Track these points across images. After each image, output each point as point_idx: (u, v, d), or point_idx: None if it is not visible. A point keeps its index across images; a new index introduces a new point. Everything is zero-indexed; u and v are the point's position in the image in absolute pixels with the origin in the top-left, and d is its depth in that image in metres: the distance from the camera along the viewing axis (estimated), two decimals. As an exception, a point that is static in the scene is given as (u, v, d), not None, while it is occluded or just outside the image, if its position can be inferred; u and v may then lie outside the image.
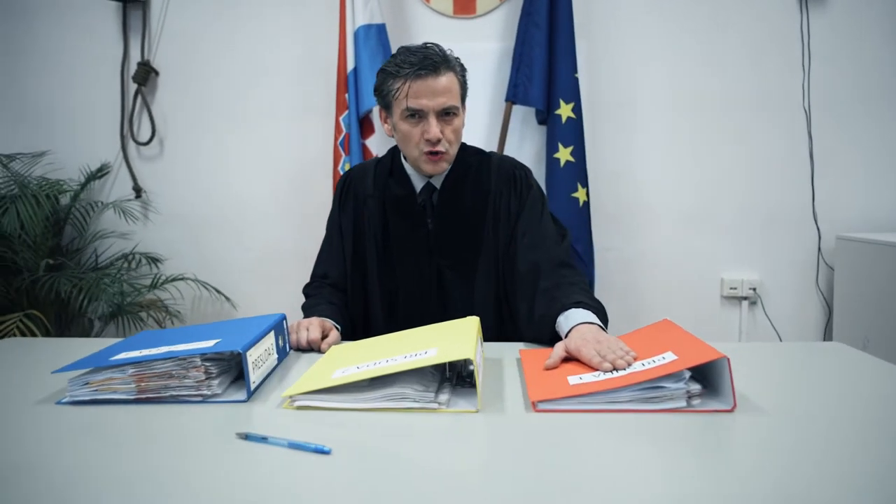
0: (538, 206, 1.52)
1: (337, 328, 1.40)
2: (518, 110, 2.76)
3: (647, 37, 2.76)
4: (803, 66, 2.71)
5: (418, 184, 1.51)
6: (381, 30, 2.70)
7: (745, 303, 2.79)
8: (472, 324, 1.16)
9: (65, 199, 2.83)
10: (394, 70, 1.38)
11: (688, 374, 0.94)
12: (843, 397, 1.00)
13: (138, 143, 2.95)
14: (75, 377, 1.01)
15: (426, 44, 1.41)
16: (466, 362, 1.04)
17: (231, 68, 2.91)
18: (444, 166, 1.45)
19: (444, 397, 0.96)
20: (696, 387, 0.92)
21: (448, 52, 1.41)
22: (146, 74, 2.91)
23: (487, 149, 2.71)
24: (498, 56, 2.81)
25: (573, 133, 2.62)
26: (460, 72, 1.43)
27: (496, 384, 1.06)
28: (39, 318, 2.28)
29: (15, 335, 2.21)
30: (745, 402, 0.94)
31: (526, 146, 2.83)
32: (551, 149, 2.64)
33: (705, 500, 0.67)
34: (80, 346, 1.24)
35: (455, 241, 1.50)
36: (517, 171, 1.54)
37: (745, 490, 0.68)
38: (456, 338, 1.07)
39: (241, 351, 0.99)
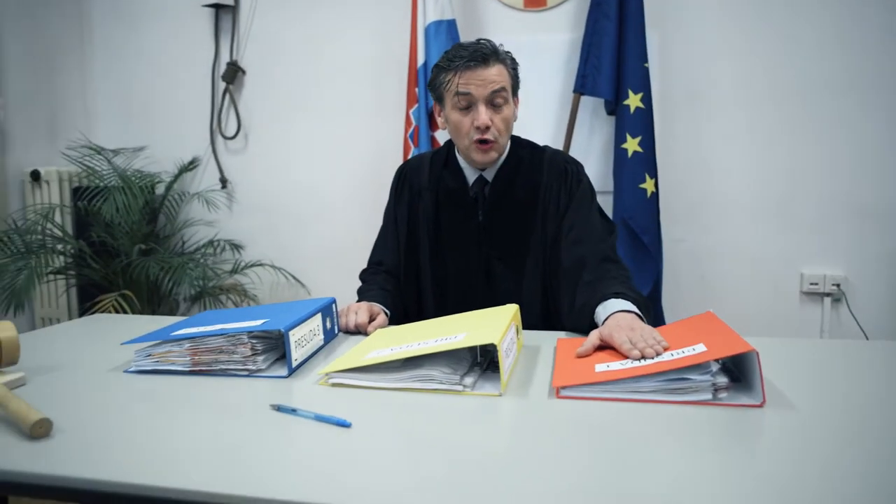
0: (587, 201, 1.52)
1: (386, 313, 1.46)
2: (588, 102, 2.73)
3: (723, 23, 2.65)
4: (898, 48, 2.52)
5: (471, 176, 1.54)
6: (451, 25, 2.75)
7: (827, 300, 2.64)
8: (508, 311, 1.18)
9: (160, 190, 3.06)
10: (445, 64, 1.44)
11: (715, 367, 0.93)
12: (887, 398, 0.95)
13: (225, 138, 3.16)
14: (141, 349, 1.12)
15: (479, 40, 1.45)
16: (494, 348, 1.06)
17: (310, 66, 3.05)
18: (494, 156, 1.47)
19: (469, 380, 1.00)
20: (722, 380, 0.91)
21: (499, 47, 1.44)
22: (234, 73, 3.10)
23: (556, 140, 2.75)
24: (568, 48, 2.79)
25: (642, 123, 2.57)
26: (511, 65, 1.46)
27: (527, 370, 1.09)
28: (132, 297, 2.49)
29: (111, 312, 2.42)
30: (778, 398, 0.92)
31: (595, 137, 2.80)
32: (619, 139, 2.60)
33: (720, 491, 0.67)
34: (154, 323, 1.36)
35: (505, 233, 1.52)
36: (569, 166, 1.54)
37: (759, 486, 0.68)
38: (487, 324, 1.10)
39: (283, 330, 1.07)
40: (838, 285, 2.62)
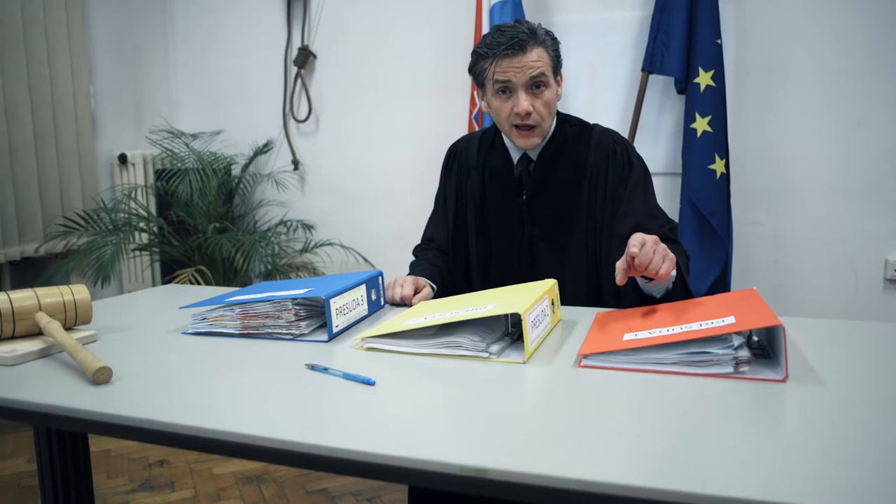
0: (641, 186, 1.48)
1: (432, 287, 1.50)
2: (658, 80, 2.66)
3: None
4: None
5: (516, 155, 1.54)
6: (516, 4, 2.73)
7: (913, 288, 2.49)
8: (544, 285, 1.20)
9: (236, 171, 3.22)
10: (483, 51, 1.42)
11: (738, 341, 0.91)
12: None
13: (297, 121, 3.29)
14: (197, 314, 1.21)
15: (517, 21, 1.43)
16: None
17: (377, 49, 3.12)
18: (536, 140, 1.46)
19: (495, 348, 1.02)
20: (744, 354, 0.90)
21: (537, 27, 1.42)
22: (305, 58, 3.21)
23: (623, 120, 2.70)
24: (638, 25, 2.72)
25: (712, 102, 2.48)
26: (551, 45, 1.43)
27: (558, 342, 1.10)
28: (207, 273, 2.65)
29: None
30: (807, 375, 0.90)
31: (664, 117, 2.73)
32: (688, 119, 2.52)
33: (734, 460, 0.66)
34: (217, 293, 1.46)
35: (548, 212, 1.52)
36: (617, 147, 1.51)
37: (772, 456, 0.67)
38: (520, 296, 1.12)
39: (324, 297, 1.13)
40: (926, 273, 2.46)
